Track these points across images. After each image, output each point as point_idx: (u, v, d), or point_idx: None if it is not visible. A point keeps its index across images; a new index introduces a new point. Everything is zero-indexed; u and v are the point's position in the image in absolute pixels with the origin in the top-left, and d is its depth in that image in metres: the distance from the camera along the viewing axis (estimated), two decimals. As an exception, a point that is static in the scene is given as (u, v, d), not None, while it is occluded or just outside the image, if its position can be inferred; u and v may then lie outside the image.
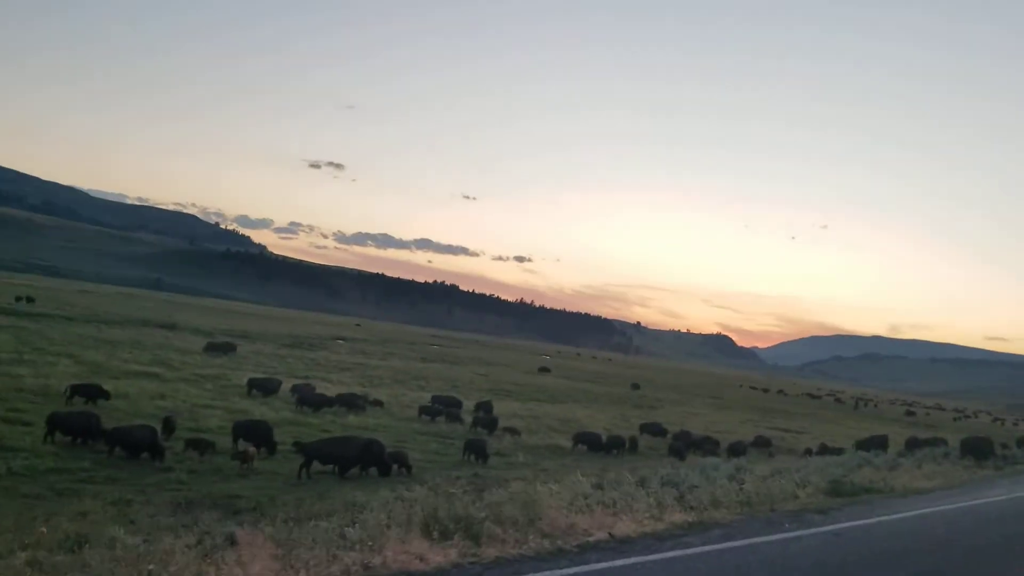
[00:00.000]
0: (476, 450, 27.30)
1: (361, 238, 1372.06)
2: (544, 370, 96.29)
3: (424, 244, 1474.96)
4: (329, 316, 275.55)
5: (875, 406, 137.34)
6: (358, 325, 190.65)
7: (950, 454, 23.91)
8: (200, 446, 21.89)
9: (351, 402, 36.36)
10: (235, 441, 23.95)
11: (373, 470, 22.50)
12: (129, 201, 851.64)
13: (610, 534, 9.94)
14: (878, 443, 32.60)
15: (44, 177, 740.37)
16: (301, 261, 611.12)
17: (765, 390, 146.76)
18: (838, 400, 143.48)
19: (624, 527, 10.35)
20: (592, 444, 33.85)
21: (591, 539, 9.53)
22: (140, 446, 20.66)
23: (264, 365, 54.50)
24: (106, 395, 30.65)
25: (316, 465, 21.99)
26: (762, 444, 44.74)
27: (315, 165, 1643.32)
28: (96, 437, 21.34)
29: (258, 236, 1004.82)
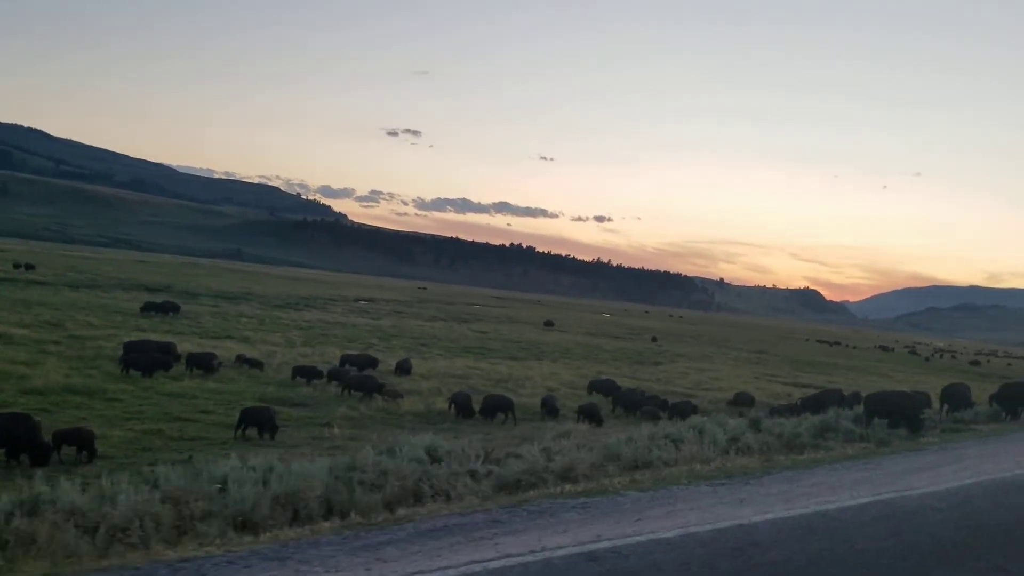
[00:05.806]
0: (258, 421, 20.96)
1: (440, 203, 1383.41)
2: (549, 324, 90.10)
3: (503, 207, 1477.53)
4: (395, 280, 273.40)
5: (952, 357, 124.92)
6: (422, 288, 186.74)
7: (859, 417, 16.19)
8: None
9: (203, 363, 30.52)
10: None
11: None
12: (216, 176, 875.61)
13: None
14: (832, 399, 24.79)
15: (134, 155, 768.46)
16: (377, 228, 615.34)
17: (834, 343, 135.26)
18: (913, 352, 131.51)
19: None
20: (464, 409, 26.89)
21: None
22: None
23: (200, 325, 49.47)
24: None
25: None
26: (743, 403, 37.33)
27: (392, 133, 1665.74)
28: None
29: (340, 206, 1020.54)
